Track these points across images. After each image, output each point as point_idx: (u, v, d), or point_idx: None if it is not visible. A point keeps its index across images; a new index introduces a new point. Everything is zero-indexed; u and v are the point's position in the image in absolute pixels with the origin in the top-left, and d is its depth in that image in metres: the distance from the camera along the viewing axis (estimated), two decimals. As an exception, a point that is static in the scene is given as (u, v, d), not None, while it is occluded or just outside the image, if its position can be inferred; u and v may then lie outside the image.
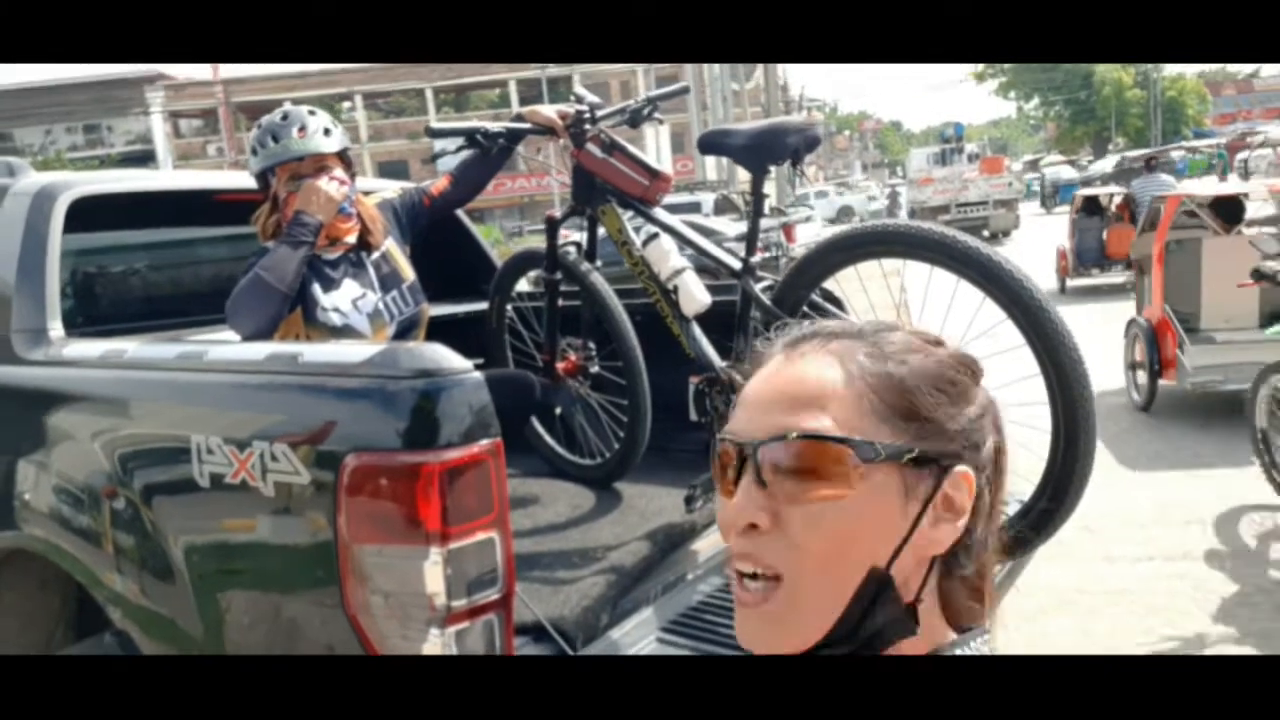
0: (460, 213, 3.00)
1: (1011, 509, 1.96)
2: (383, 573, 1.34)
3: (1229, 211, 6.08)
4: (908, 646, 0.62)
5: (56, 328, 1.94)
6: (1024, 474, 1.87)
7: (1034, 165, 30.40)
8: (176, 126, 40.85)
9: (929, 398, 0.62)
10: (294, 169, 2.11)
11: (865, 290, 2.13)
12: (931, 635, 0.63)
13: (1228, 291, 5.22)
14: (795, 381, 0.63)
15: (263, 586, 1.50)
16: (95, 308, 2.63)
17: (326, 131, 2.13)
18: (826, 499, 0.59)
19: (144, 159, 37.40)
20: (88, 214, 2.18)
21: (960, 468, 0.62)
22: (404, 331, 2.28)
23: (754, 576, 0.61)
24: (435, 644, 1.32)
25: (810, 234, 15.90)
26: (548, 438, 2.70)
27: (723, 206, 15.75)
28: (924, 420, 0.62)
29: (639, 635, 1.61)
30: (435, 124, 2.28)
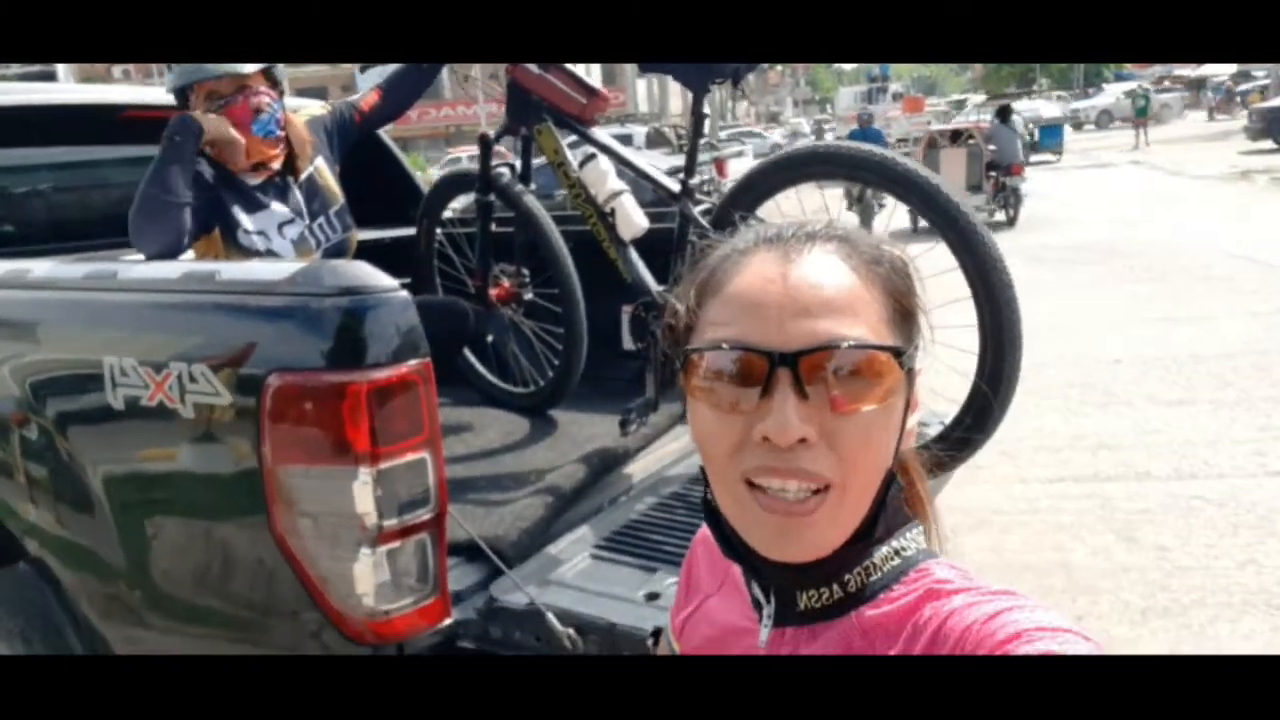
0: (383, 134, 2.90)
1: (934, 430, 2.02)
2: (310, 495, 1.32)
3: (956, 136, 13.15)
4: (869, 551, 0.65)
5: (-48, 248, 1.82)
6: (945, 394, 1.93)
7: (959, 105, 28.96)
8: (78, 47, 38.46)
9: (915, 297, 0.64)
10: (212, 87, 1.99)
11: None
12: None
13: (954, 176, 11.64)
14: (815, 286, 0.60)
15: (186, 511, 1.46)
16: (-4, 229, 2.49)
17: None
18: (876, 407, 0.59)
19: (43, 78, 35.20)
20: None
21: (918, 363, 0.64)
22: (331, 258, 2.20)
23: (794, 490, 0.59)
24: (366, 563, 1.31)
25: (742, 168, 15.85)
26: (479, 366, 2.67)
27: (655, 140, 15.62)
28: (913, 318, 0.64)
29: (573, 552, 1.62)
30: None
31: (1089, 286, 7.64)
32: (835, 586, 0.64)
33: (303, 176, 2.16)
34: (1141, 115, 23.55)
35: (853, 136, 14.16)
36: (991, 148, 12.50)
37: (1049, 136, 22.75)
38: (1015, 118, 13.65)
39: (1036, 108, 28.01)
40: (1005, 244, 1.71)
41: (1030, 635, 0.54)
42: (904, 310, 0.63)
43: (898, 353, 0.60)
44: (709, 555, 0.80)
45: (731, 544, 0.66)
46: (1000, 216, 12.06)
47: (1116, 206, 12.63)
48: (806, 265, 0.61)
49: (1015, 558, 3.25)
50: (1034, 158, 21.52)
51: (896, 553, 0.65)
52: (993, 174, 12.24)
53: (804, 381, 0.58)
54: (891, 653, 0.61)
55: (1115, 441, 4.23)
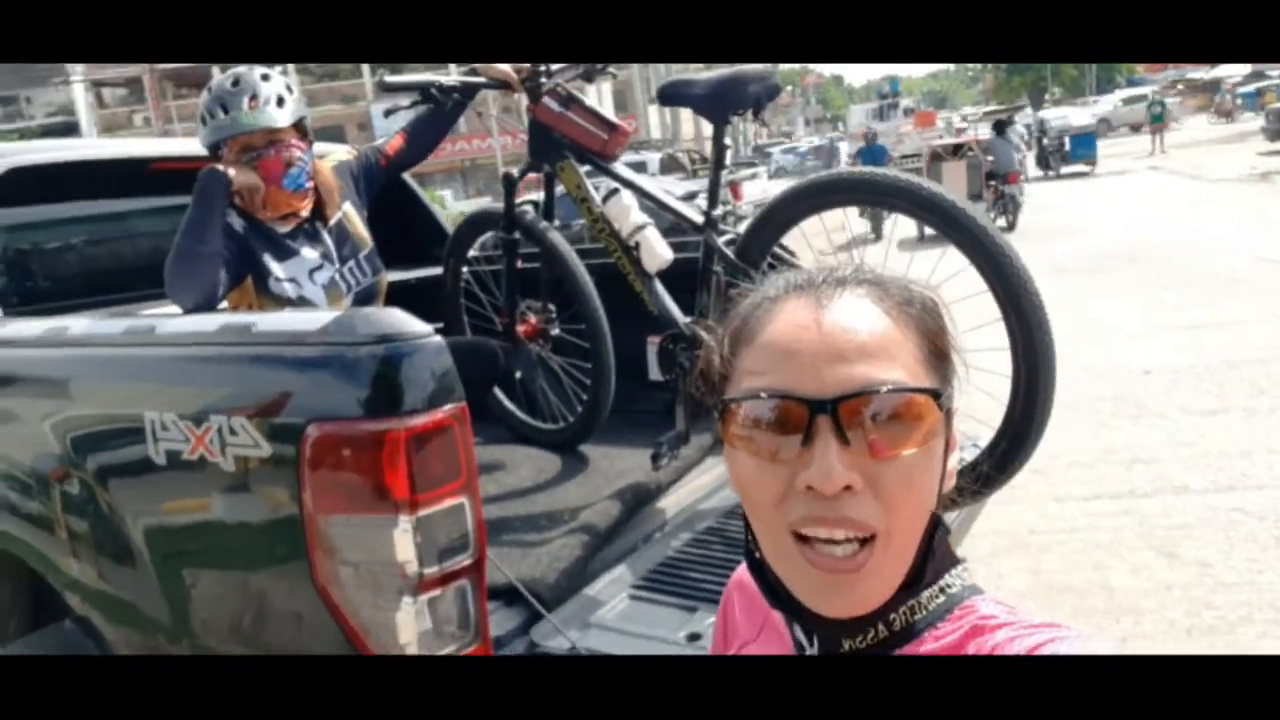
0: (406, 176, 2.93)
1: (970, 454, 2.00)
2: (351, 543, 1.32)
3: (957, 149, 14.42)
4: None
5: (-8, 307, 1.86)
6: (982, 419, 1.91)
7: (995, 114, 27.24)
8: (100, 96, 39.25)
9: (948, 337, 0.64)
10: (245, 141, 2.02)
11: (811, 249, 2.13)
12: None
13: (956, 186, 12.60)
14: (849, 331, 0.60)
15: (227, 563, 1.47)
16: (32, 285, 2.53)
17: (280, 101, 2.03)
18: (917, 451, 0.59)
19: (66, 131, 35.93)
20: (20, 187, 2.08)
21: (955, 402, 0.63)
22: (362, 302, 2.22)
23: (842, 540, 0.59)
24: (408, 611, 1.30)
25: (757, 190, 15.90)
26: (508, 403, 2.68)
27: (669, 165, 15.69)
28: (948, 358, 0.63)
29: (612, 593, 1.61)
30: (389, 78, 2.21)
31: (1115, 295, 7.58)
32: (880, 626, 0.64)
33: (331, 222, 2.18)
34: (1157, 121, 23.23)
35: (860, 153, 16.03)
36: (990, 159, 13.47)
37: (1081, 146, 20.59)
38: (1010, 130, 14.58)
39: (1065, 115, 25.56)
40: (1026, 256, 1.70)
41: None
42: (938, 350, 0.63)
43: (935, 394, 0.60)
44: (746, 600, 0.79)
45: (776, 594, 0.66)
46: (1001, 222, 12.85)
47: (1137, 213, 12.56)
48: (839, 310, 0.61)
49: (1055, 579, 3.20)
50: (1065, 169, 20.23)
51: (941, 590, 0.65)
52: (992, 183, 13.33)
53: (844, 427, 0.58)
54: None
55: (1149, 455, 4.17)
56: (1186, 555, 3.23)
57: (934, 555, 0.63)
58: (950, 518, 1.90)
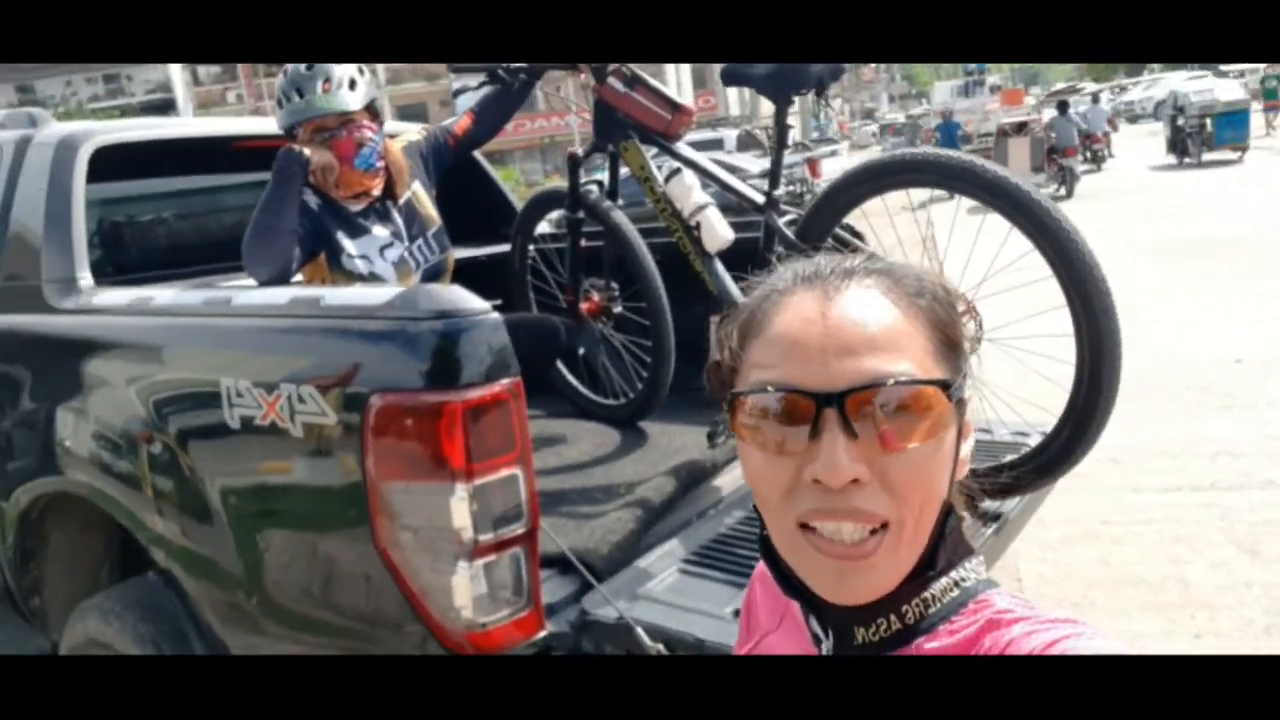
0: (478, 154, 2.98)
1: (1033, 440, 1.97)
2: (411, 509, 1.38)
3: (1020, 127, 15.77)
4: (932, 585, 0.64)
5: (86, 276, 1.97)
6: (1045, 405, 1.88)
7: (1059, 95, 21.62)
8: (195, 74, 40.65)
9: (960, 326, 0.63)
10: (319, 124, 2.10)
11: (893, 226, 2.09)
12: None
13: (1019, 160, 14.34)
14: (856, 324, 0.60)
15: (297, 525, 1.55)
16: (122, 256, 2.67)
17: (352, 84, 2.10)
18: (926, 442, 0.59)
19: (164, 107, 37.35)
20: (110, 163, 2.19)
21: (969, 390, 0.63)
22: (430, 278, 2.29)
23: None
24: (464, 576, 1.36)
25: (837, 169, 15.64)
26: (571, 378, 2.72)
27: (746, 142, 15.54)
28: (959, 348, 0.63)
29: (663, 566, 1.64)
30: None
31: (1212, 282, 7.24)
32: (893, 617, 0.64)
33: (401, 201, 2.25)
34: (1271, 98, 21.25)
35: (937, 128, 19.11)
36: (1052, 134, 15.08)
37: (1229, 126, 16.03)
38: (1071, 111, 16.34)
39: (1211, 89, 20.87)
40: (1123, 242, 1.65)
41: None
42: (949, 341, 0.62)
43: (945, 385, 0.60)
44: (767, 592, 0.80)
45: (790, 582, 0.66)
46: (1061, 191, 14.26)
47: (1244, 198, 11.93)
48: (846, 302, 0.61)
49: (1126, 571, 3.12)
50: (1206, 156, 16.02)
51: (956, 584, 0.65)
52: (1053, 156, 14.82)
53: (851, 420, 0.58)
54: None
55: (1236, 448, 4.00)
56: (1269, 552, 3.10)
57: (945, 542, 0.63)
58: (1010, 505, 1.89)
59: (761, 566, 0.81)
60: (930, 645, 0.63)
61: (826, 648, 0.68)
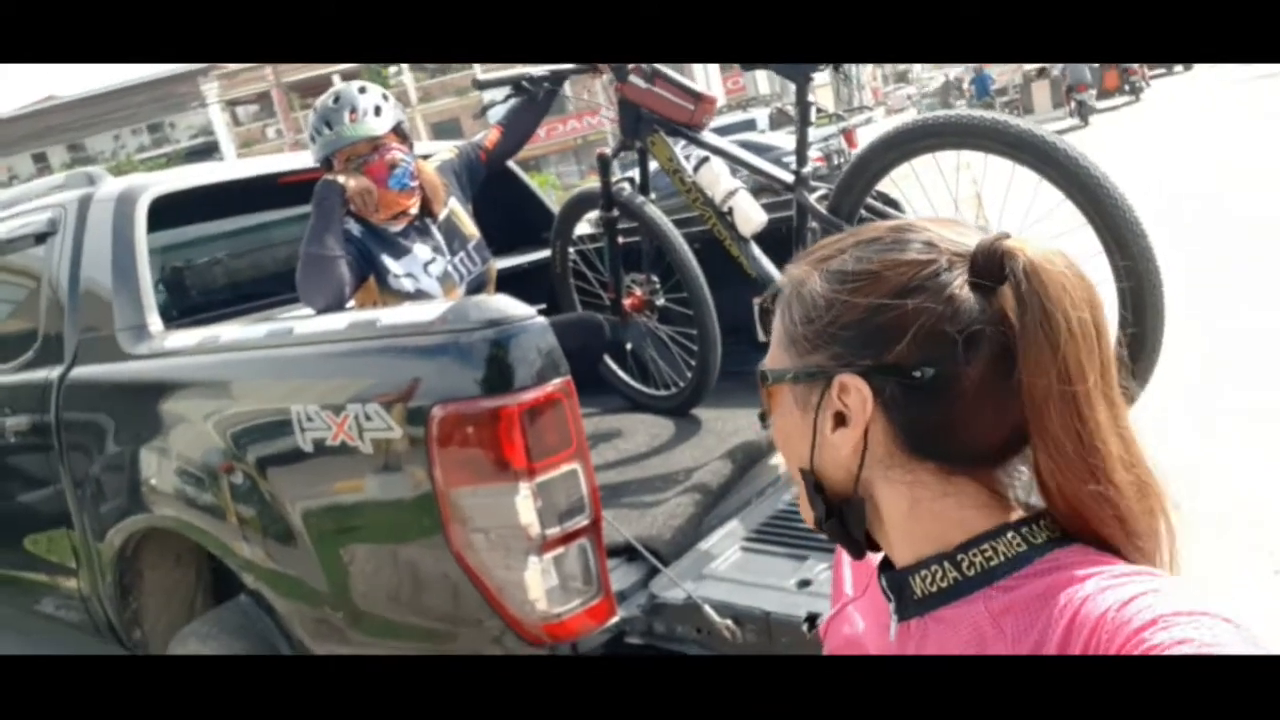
0: (513, 164, 3.05)
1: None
2: (480, 512, 1.44)
3: (1041, 72, 20.23)
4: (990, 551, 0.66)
5: (155, 321, 2.07)
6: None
7: None
8: (235, 114, 41.67)
9: (799, 325, 0.69)
10: (350, 152, 2.19)
11: (947, 185, 2.06)
12: (964, 526, 0.66)
13: (1042, 100, 20.03)
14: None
15: (375, 538, 1.63)
16: (186, 298, 2.79)
17: (378, 110, 2.19)
18: (774, 416, 0.73)
19: (208, 151, 38.37)
20: (167, 212, 2.30)
21: (842, 376, 0.65)
22: (474, 289, 2.36)
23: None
24: (535, 570, 1.42)
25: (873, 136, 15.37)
26: (621, 373, 2.78)
27: (779, 121, 15.41)
28: (802, 339, 0.68)
29: (725, 546, 1.68)
30: (481, 76, 2.34)
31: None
32: (948, 565, 0.66)
33: (440, 217, 2.33)
34: None
35: (972, 83, 21.94)
36: (1067, 74, 17.71)
37: None
38: None
39: None
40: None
41: (1167, 620, 0.53)
42: (792, 331, 0.69)
43: (763, 376, 0.71)
44: (854, 560, 0.83)
45: (855, 543, 0.72)
46: (1077, 121, 16.83)
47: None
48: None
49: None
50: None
51: (1024, 539, 0.65)
52: (1070, 94, 17.61)
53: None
54: (1027, 640, 0.61)
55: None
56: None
57: (833, 504, 0.70)
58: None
59: None
60: (1001, 599, 0.63)
61: (893, 608, 0.70)
